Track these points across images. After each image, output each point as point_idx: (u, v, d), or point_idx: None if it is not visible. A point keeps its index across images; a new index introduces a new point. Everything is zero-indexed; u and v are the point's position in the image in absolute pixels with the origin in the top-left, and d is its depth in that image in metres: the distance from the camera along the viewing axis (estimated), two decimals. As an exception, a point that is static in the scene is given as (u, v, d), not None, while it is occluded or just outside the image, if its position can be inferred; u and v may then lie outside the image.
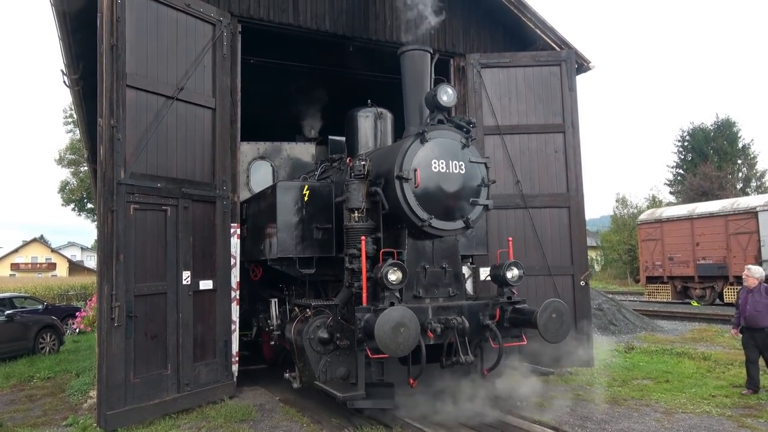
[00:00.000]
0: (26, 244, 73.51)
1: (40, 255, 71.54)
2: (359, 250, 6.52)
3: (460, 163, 6.95)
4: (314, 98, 11.03)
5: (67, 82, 9.42)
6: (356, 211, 6.89)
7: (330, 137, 8.85)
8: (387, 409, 6.50)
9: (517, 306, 6.88)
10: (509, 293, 7.03)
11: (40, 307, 15.91)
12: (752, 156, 40.81)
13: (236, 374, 7.95)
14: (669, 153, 79.96)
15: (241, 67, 8.35)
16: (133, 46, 6.82)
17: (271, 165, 10.44)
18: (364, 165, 6.98)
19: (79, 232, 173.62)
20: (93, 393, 7.87)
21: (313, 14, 8.84)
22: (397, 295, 6.29)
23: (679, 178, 42.35)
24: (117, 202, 6.49)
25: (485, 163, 7.22)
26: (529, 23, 9.78)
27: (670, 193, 43.20)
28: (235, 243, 8.07)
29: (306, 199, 7.54)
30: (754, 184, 39.54)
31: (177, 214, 7.20)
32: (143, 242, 6.84)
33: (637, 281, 26.71)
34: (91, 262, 70.19)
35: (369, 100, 8.69)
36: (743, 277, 7.80)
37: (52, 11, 7.65)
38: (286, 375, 7.46)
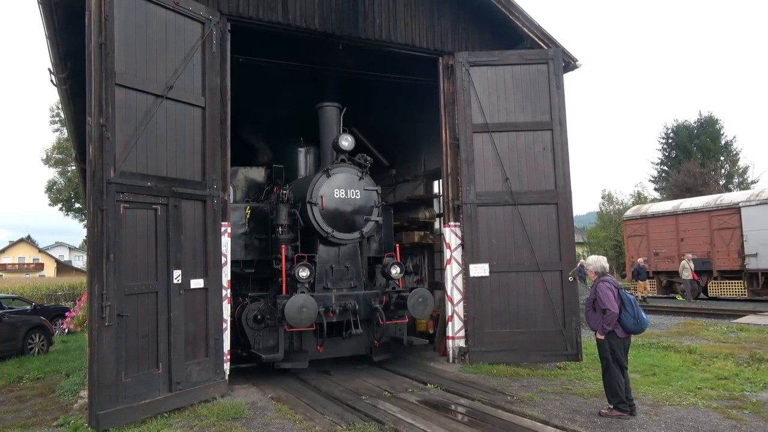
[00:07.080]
0: (13, 244, 72.76)
1: (28, 255, 70.85)
2: (281, 254, 8.90)
3: (356, 191, 9.51)
4: (262, 128, 12.70)
5: (54, 81, 9.30)
6: (280, 227, 9.43)
7: (274, 165, 10.78)
8: (301, 367, 8.85)
9: (401, 294, 9.21)
10: (394, 284, 9.48)
11: (28, 307, 15.81)
12: (734, 153, 41.41)
13: (228, 372, 7.97)
14: (653, 150, 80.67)
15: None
16: (121, 45, 6.77)
17: (232, 186, 11.44)
18: (285, 193, 9.48)
19: (66, 232, 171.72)
20: (84, 393, 7.84)
21: (302, 13, 8.86)
22: (307, 286, 8.67)
23: (663, 174, 42.86)
24: (107, 201, 6.43)
25: (376, 191, 9.72)
26: (516, 21, 9.84)
27: (655, 189, 43.77)
28: (225, 241, 8.08)
29: (248, 216, 9.80)
30: (737, 181, 40.08)
31: (167, 212, 7.16)
32: (134, 241, 6.80)
33: (623, 276, 27.00)
34: (79, 262, 69.63)
35: (301, 138, 11.12)
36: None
37: (39, 9, 7.58)
38: (241, 352, 9.30)
